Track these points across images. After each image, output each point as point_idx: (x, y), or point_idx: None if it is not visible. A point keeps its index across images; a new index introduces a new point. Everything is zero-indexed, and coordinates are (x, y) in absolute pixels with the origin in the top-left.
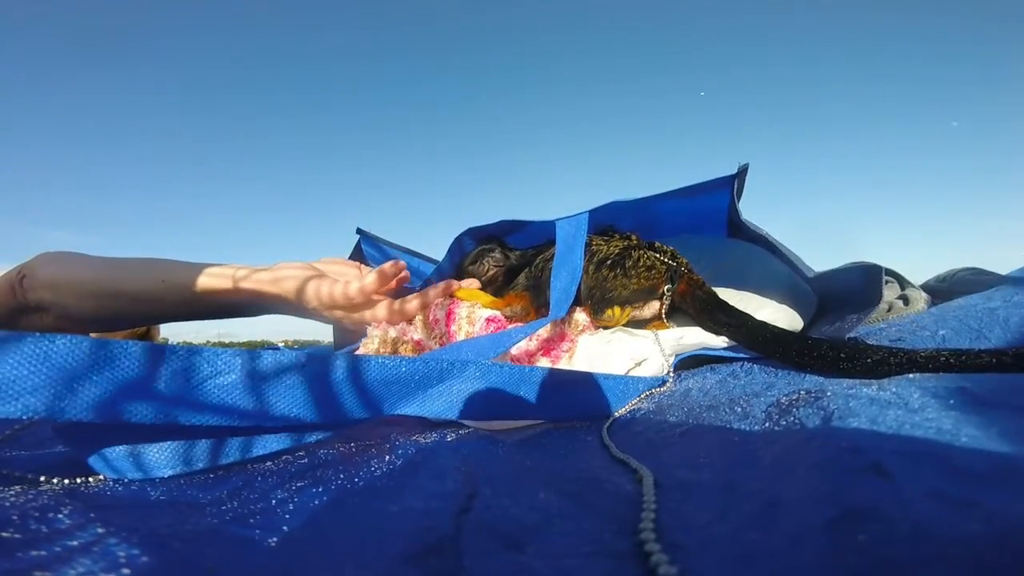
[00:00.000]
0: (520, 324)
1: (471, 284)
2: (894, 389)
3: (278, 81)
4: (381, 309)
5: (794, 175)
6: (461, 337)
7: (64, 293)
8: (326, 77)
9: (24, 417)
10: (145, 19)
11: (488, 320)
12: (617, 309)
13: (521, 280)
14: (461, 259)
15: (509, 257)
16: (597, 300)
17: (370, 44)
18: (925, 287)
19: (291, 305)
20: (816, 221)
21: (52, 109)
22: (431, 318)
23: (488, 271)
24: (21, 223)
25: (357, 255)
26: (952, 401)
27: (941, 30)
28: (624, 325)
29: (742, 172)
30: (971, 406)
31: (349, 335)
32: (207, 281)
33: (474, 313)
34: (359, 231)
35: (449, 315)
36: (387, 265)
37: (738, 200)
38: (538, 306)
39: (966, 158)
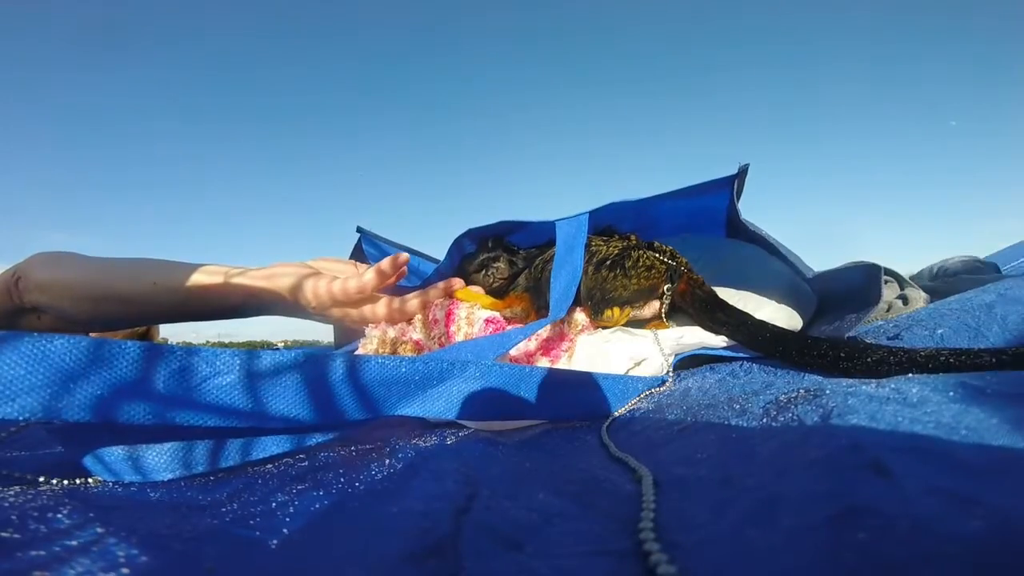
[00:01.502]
0: (519, 325)
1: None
2: (893, 385)
3: (278, 81)
4: (380, 308)
5: (793, 175)
6: (460, 338)
7: (57, 295)
8: (327, 77)
9: (21, 418)
10: (146, 19)
11: (487, 321)
12: (616, 309)
13: (521, 281)
14: (461, 261)
15: (515, 263)
16: (597, 301)
17: (371, 44)
18: (924, 287)
19: (287, 304)
20: (816, 221)
21: (52, 110)
22: (430, 318)
23: (493, 284)
24: (21, 225)
25: (358, 255)
26: (952, 394)
27: (941, 29)
28: (624, 325)
29: (742, 172)
30: (971, 399)
31: (349, 335)
32: (200, 281)
33: (473, 314)
34: (359, 229)
35: (448, 316)
36: (385, 262)
37: (738, 200)
38: (538, 307)
39: (965, 158)
